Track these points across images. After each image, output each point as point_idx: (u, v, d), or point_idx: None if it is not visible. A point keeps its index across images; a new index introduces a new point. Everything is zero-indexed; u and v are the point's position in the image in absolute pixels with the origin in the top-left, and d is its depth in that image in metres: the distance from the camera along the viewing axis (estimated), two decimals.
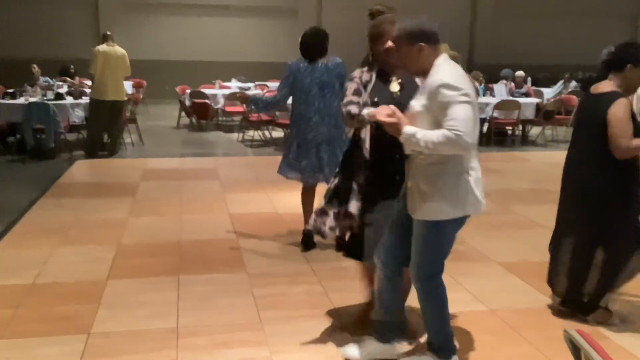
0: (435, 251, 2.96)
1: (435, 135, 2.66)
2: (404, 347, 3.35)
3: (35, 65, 11.58)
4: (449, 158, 2.78)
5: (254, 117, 10.45)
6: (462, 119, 2.64)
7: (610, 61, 3.56)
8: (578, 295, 3.72)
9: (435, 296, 3.04)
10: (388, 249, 3.08)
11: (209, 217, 5.99)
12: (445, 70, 2.75)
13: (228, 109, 11.94)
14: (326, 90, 4.73)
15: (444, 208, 2.82)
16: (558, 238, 3.87)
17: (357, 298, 4.02)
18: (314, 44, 4.81)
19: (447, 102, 2.66)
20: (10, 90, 9.79)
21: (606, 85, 3.54)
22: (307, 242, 4.99)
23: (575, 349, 1.75)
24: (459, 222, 2.92)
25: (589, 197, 3.57)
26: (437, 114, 2.70)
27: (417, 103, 2.83)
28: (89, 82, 11.23)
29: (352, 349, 3.26)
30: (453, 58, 6.50)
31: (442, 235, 2.92)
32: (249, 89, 13.00)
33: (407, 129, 2.73)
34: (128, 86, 11.13)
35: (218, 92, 12.29)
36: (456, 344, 3.15)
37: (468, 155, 2.81)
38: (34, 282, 4.26)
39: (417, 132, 2.72)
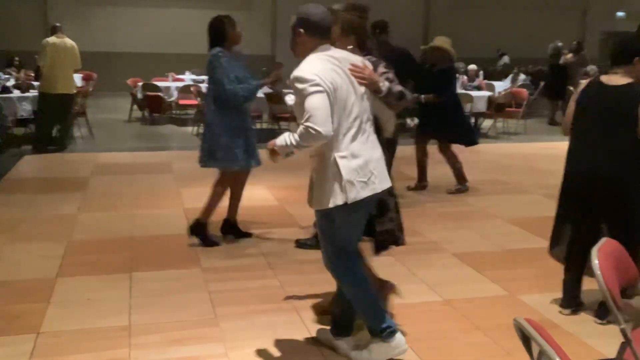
0: (331, 238, 3.04)
1: (297, 132, 2.80)
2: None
3: None
4: (319, 149, 2.89)
5: None
6: (312, 108, 2.73)
7: (618, 54, 3.58)
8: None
9: (348, 281, 3.09)
10: None
11: (163, 211, 5.90)
12: (304, 63, 2.87)
13: (182, 101, 11.76)
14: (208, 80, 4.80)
15: (323, 197, 2.90)
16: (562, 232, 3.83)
17: (314, 291, 4.03)
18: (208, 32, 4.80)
19: (300, 95, 2.80)
20: None
21: (621, 77, 3.54)
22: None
23: (525, 338, 1.78)
24: (349, 208, 2.90)
25: (615, 188, 3.53)
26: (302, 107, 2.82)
27: (290, 98, 2.93)
28: (33, 75, 10.94)
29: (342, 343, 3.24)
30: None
31: (332, 223, 2.98)
32: (203, 81, 12.83)
33: (278, 141, 2.88)
34: (78, 79, 10.85)
35: (171, 84, 12.10)
36: (396, 324, 3.18)
37: (336, 143, 2.86)
38: None
39: (286, 137, 2.84)
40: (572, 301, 3.79)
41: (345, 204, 2.86)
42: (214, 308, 3.77)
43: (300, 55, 2.94)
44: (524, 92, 11.59)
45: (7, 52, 12.91)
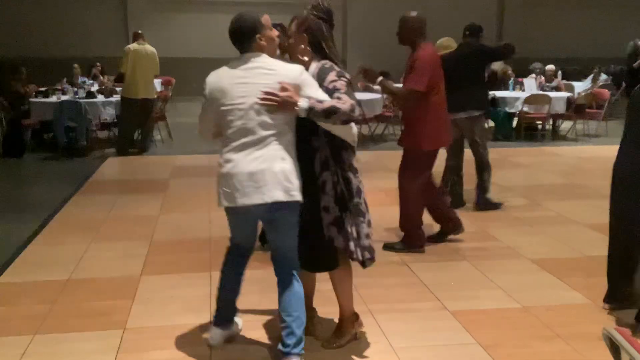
0: None
1: None
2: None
3: (76, 65, 11.79)
4: None
5: None
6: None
7: None
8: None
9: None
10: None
11: None
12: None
13: None
14: None
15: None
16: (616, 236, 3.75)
17: (388, 294, 4.03)
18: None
19: None
20: (43, 89, 9.97)
21: None
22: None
23: (614, 348, 1.73)
24: (230, 212, 3.08)
25: None
26: None
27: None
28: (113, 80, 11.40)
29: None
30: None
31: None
32: None
33: None
34: (157, 84, 11.25)
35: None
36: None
37: (221, 149, 3.01)
38: (70, 278, 4.34)
39: None
40: None
41: (228, 207, 3.01)
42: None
43: None
44: (606, 92, 11.15)
45: (90, 59, 13.50)
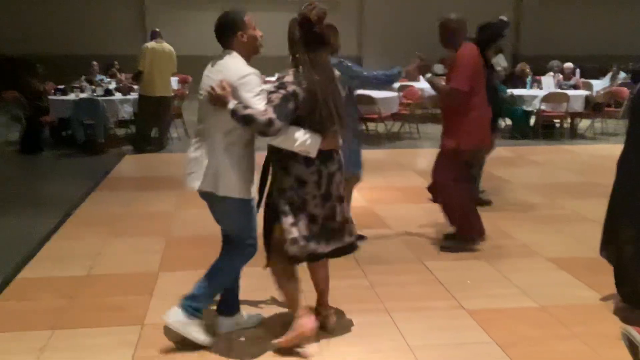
0: None
1: None
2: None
3: (95, 63, 11.90)
4: None
5: None
6: None
7: None
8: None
9: None
10: None
11: None
12: None
13: None
14: None
15: None
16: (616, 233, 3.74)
17: (404, 293, 4.03)
18: None
19: None
20: (61, 87, 10.06)
21: None
22: None
23: (633, 347, 1.72)
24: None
25: None
26: None
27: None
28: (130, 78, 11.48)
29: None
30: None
31: None
32: None
33: None
34: (174, 82, 11.31)
35: (264, 87, 12.32)
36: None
37: None
38: (89, 273, 4.39)
39: None
40: None
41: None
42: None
43: None
44: (624, 90, 11.04)
45: (108, 57, 13.61)
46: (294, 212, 3.17)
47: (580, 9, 18.43)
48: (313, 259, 3.30)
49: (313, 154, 3.11)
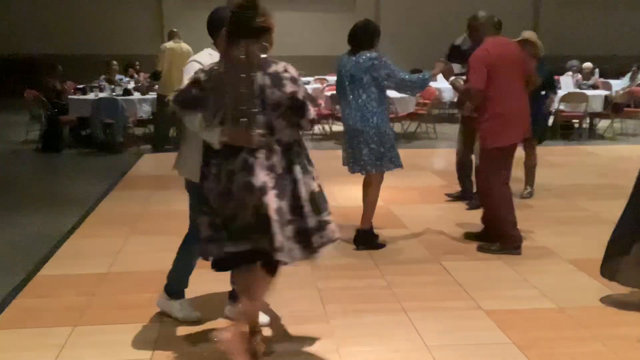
0: None
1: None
2: None
3: (115, 62, 12.01)
4: None
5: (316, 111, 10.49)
6: None
7: None
8: None
9: None
10: None
11: None
12: None
13: None
14: (354, 84, 4.68)
15: None
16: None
17: (421, 293, 4.04)
18: (355, 36, 4.78)
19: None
20: (80, 86, 10.17)
21: None
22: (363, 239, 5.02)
23: None
24: None
25: None
26: None
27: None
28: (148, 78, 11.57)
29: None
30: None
31: None
32: (308, 82, 13.06)
33: None
34: None
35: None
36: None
37: None
38: (108, 271, 4.44)
39: None
40: None
41: None
42: (323, 305, 3.86)
43: None
44: None
45: (126, 57, 13.73)
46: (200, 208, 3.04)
47: (599, 9, 18.27)
48: (220, 263, 3.05)
49: (215, 145, 2.91)
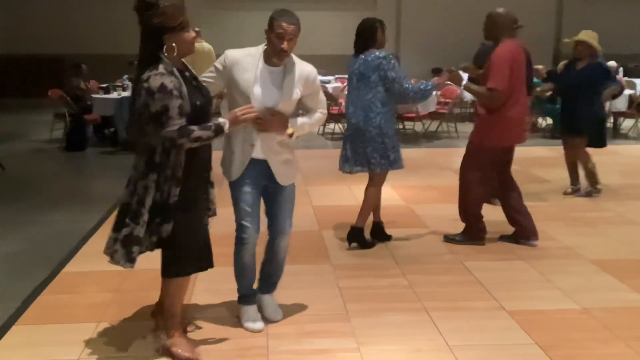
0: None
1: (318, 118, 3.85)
2: None
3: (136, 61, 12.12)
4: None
5: (334, 109, 10.51)
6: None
7: None
8: None
9: None
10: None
11: None
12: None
13: None
14: (362, 82, 4.66)
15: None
16: None
17: (442, 292, 4.02)
18: (358, 35, 4.78)
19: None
20: (104, 85, 10.28)
21: None
22: (377, 234, 5.06)
23: None
24: None
25: None
26: None
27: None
28: None
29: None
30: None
31: None
32: (329, 82, 13.06)
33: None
34: None
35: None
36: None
37: None
38: (132, 268, 4.46)
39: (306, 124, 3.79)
40: None
41: None
42: (344, 304, 3.86)
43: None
44: None
45: None
46: None
47: (623, 8, 18.02)
48: None
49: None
